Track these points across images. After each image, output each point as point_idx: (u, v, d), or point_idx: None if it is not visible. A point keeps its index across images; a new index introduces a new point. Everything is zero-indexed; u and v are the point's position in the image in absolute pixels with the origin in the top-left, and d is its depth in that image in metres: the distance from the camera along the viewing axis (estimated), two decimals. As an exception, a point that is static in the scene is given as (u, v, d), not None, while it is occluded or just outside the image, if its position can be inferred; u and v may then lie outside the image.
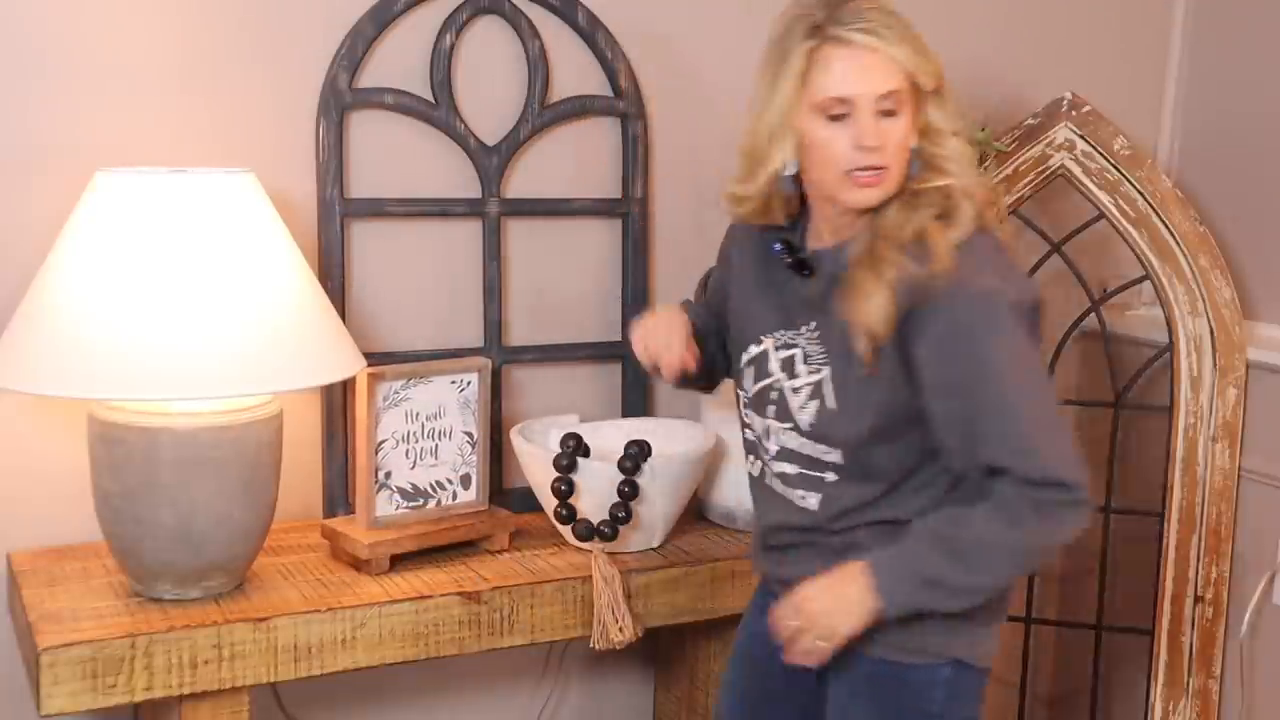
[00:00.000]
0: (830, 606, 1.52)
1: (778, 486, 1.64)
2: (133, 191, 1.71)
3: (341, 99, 2.05)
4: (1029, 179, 2.47)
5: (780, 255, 1.61)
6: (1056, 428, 1.50)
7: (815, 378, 1.57)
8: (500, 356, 2.19)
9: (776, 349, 1.62)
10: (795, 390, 1.59)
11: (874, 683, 1.59)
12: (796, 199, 1.61)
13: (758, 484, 1.70)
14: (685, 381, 1.78)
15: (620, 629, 1.90)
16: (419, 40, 2.11)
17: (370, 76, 2.08)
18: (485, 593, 1.85)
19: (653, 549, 2.03)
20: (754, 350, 1.65)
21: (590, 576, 1.90)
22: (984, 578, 1.51)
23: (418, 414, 1.95)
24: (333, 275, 2.06)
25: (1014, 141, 2.47)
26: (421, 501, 1.97)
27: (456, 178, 2.16)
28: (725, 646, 2.18)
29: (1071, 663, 2.80)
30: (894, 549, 1.52)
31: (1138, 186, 2.46)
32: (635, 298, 2.27)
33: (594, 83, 2.23)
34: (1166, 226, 2.46)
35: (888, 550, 1.52)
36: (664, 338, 1.71)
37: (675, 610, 1.98)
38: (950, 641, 1.57)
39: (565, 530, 1.99)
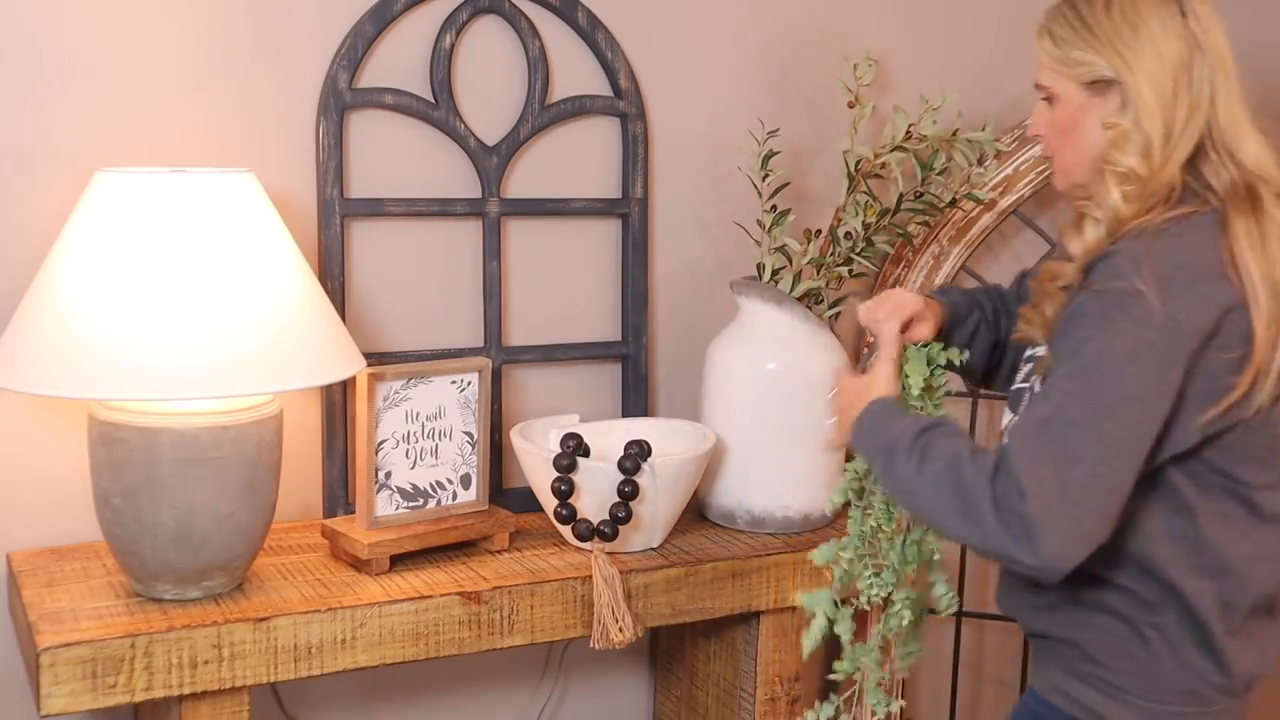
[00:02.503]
0: (845, 404, 1.62)
1: None
2: (133, 191, 1.71)
3: (341, 99, 2.05)
4: (1029, 179, 2.47)
5: None
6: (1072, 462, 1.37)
7: None
8: (500, 356, 2.19)
9: None
10: None
11: (1031, 717, 1.59)
12: None
13: None
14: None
15: (620, 629, 1.90)
16: (419, 40, 2.11)
17: (370, 76, 2.08)
18: (485, 593, 1.85)
19: (653, 549, 2.03)
20: None
21: (590, 576, 1.90)
22: (920, 481, 1.45)
23: (418, 414, 1.95)
24: (333, 275, 2.06)
25: (1014, 141, 2.47)
26: (421, 501, 1.97)
27: (456, 178, 2.16)
28: (725, 646, 2.18)
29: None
30: (899, 410, 1.55)
31: (1138, 186, 2.46)
32: (635, 298, 2.27)
33: (594, 83, 2.23)
34: (1166, 226, 2.46)
35: (902, 410, 1.55)
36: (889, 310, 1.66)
37: (675, 610, 1.98)
38: (1113, 708, 1.51)
39: (565, 530, 1.99)
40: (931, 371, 1.64)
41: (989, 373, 1.79)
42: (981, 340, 1.74)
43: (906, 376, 1.63)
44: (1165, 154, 1.46)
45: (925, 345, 1.66)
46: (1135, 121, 1.47)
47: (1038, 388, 1.53)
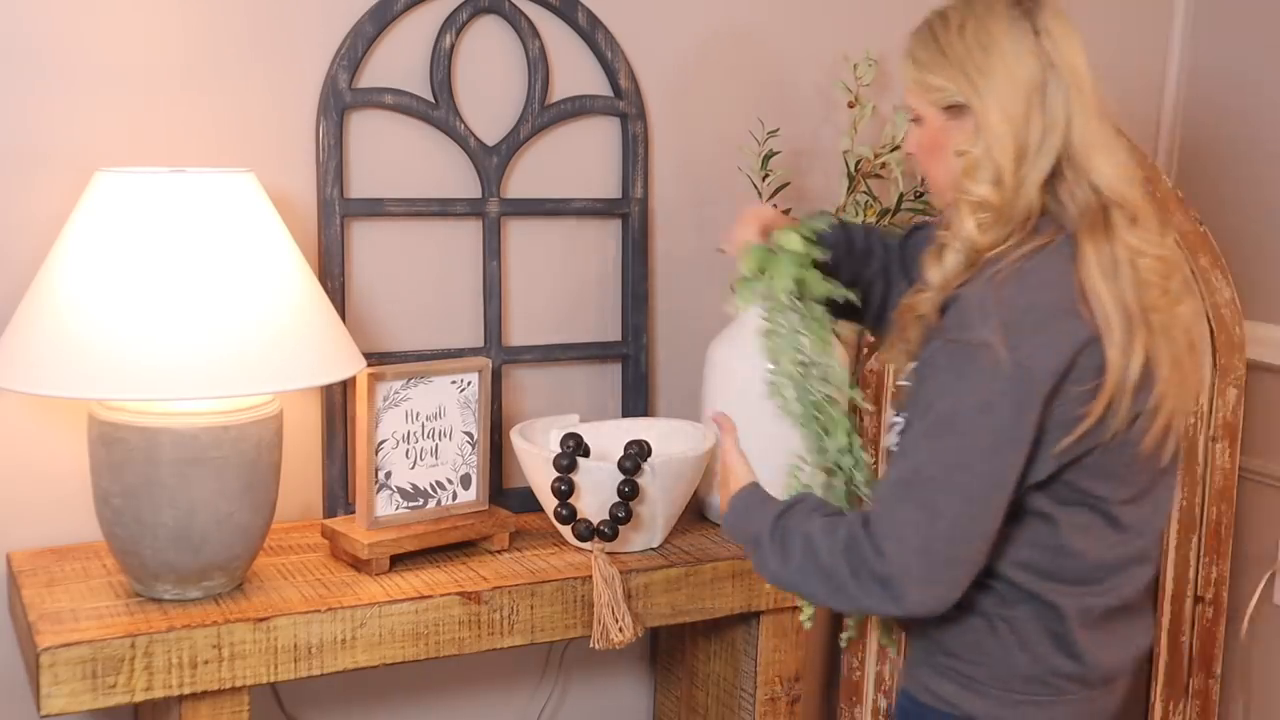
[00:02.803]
0: (721, 482, 1.66)
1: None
2: (133, 191, 1.71)
3: (341, 99, 2.05)
4: (1029, 179, 2.47)
5: None
6: (930, 511, 1.37)
7: None
8: (500, 356, 2.19)
9: None
10: None
11: (904, 716, 1.61)
12: None
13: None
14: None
15: (620, 629, 1.90)
16: (419, 40, 2.11)
17: (370, 76, 2.08)
18: (485, 593, 1.85)
19: (653, 549, 2.03)
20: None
21: (590, 576, 1.90)
22: (788, 573, 1.48)
23: (418, 414, 1.95)
24: (333, 275, 2.06)
25: (1014, 141, 2.46)
26: (421, 501, 1.97)
27: (456, 178, 2.16)
28: (725, 646, 2.18)
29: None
30: (766, 498, 1.56)
31: (1138, 186, 2.46)
32: (635, 298, 2.27)
33: (594, 83, 2.23)
34: (1166, 226, 2.46)
35: (761, 494, 1.57)
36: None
37: (675, 610, 1.98)
38: (966, 698, 1.52)
39: (565, 530, 1.99)
40: (809, 244, 1.64)
41: (852, 308, 1.76)
42: (844, 269, 1.74)
43: (786, 250, 1.62)
44: (1018, 179, 1.44)
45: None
46: (986, 149, 1.45)
47: None
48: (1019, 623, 1.49)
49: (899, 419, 1.52)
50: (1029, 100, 1.44)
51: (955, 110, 1.48)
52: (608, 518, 1.93)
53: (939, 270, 1.48)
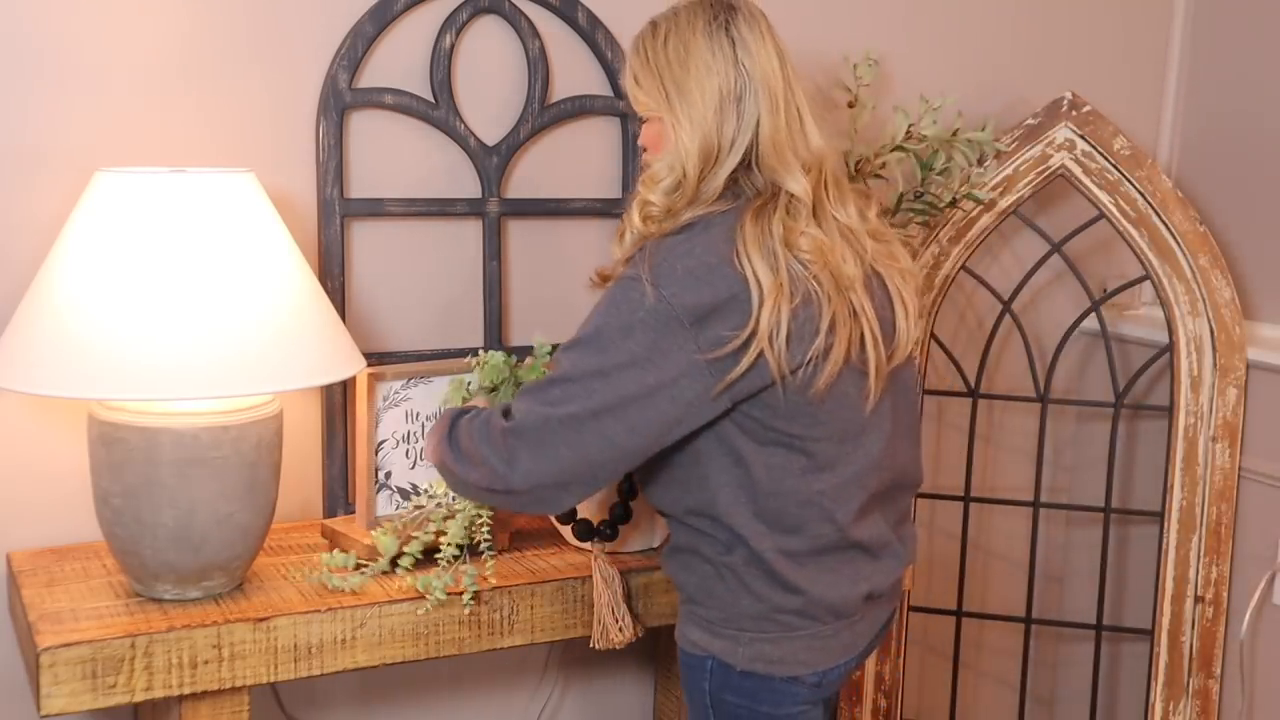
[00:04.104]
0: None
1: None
2: (133, 191, 1.71)
3: (341, 99, 2.05)
4: (1029, 179, 2.47)
5: None
6: (555, 415, 1.53)
7: None
8: (500, 356, 2.19)
9: None
10: None
11: (682, 667, 1.73)
12: None
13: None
14: None
15: (620, 629, 1.90)
16: (419, 40, 2.11)
17: (370, 76, 2.09)
18: (485, 593, 1.85)
19: (653, 549, 2.03)
20: None
21: (590, 576, 1.90)
22: (436, 448, 1.65)
23: (418, 414, 1.96)
24: (333, 275, 2.06)
25: (1014, 141, 2.47)
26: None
27: (456, 178, 2.16)
28: (725, 646, 2.17)
29: (1071, 663, 2.80)
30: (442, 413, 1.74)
31: (1138, 186, 2.47)
32: (635, 298, 2.27)
33: (594, 83, 2.23)
34: (1166, 226, 2.46)
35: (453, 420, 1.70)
36: None
37: (675, 610, 1.97)
38: (709, 640, 1.66)
39: (565, 530, 1.99)
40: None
41: None
42: None
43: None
44: (710, 174, 1.58)
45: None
46: (671, 164, 1.59)
47: None
48: (738, 567, 1.61)
49: None
50: (723, 108, 1.57)
51: (655, 120, 1.63)
52: (607, 518, 1.93)
53: (620, 248, 1.65)
